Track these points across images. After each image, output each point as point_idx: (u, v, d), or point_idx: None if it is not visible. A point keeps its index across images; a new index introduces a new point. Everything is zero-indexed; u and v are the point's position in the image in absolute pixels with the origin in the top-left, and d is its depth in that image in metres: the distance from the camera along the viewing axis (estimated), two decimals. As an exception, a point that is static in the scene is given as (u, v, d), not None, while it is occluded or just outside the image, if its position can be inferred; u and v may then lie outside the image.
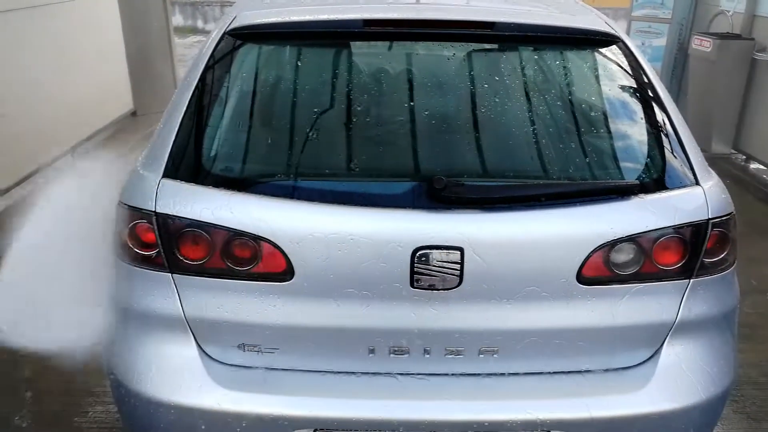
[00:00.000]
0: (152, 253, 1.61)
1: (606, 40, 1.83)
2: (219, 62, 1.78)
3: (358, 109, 1.70)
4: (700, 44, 5.47)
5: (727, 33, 5.45)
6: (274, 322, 1.59)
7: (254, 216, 1.55)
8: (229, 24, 1.82)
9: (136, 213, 1.62)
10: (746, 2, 5.29)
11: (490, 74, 1.80)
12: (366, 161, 1.64)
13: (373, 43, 1.83)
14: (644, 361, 1.67)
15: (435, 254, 1.52)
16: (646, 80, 1.81)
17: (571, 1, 2.21)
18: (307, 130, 1.69)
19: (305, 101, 1.74)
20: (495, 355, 1.63)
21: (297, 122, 1.70)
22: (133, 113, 6.49)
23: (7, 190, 4.31)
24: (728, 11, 5.57)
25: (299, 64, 1.82)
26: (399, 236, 1.52)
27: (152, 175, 1.63)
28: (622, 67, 1.83)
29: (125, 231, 1.64)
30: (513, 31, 1.74)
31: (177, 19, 13.07)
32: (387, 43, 1.83)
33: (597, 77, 1.84)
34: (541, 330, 1.60)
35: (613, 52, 1.85)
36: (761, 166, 5.23)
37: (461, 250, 1.51)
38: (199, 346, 1.64)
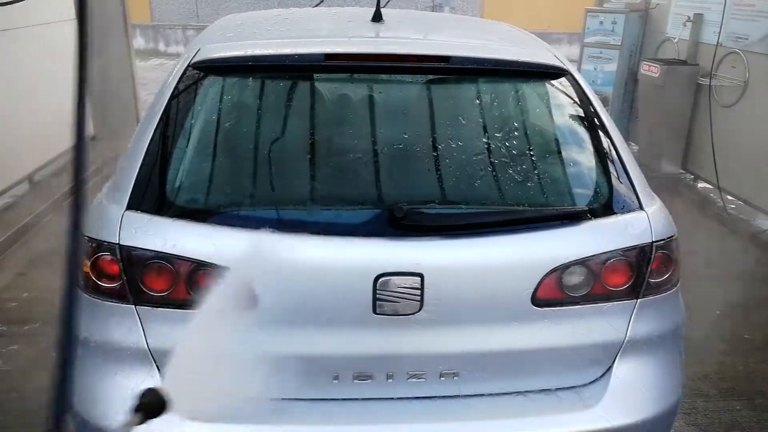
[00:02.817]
0: (116, 285, 1.62)
1: (555, 72, 1.93)
2: (183, 94, 1.81)
3: (320, 139, 1.76)
4: (648, 69, 5.73)
5: (674, 59, 5.73)
6: None
7: (218, 247, 1.57)
8: (193, 57, 1.86)
9: (99, 245, 1.62)
10: (690, 30, 5.57)
11: (446, 105, 1.88)
12: (328, 190, 1.69)
13: (334, 75, 1.89)
14: (596, 379, 1.75)
15: (396, 281, 1.57)
16: (593, 111, 1.91)
17: (523, 35, 2.33)
18: (270, 160, 1.73)
19: (267, 132, 1.79)
20: (455, 378, 1.68)
21: (259, 153, 1.75)
22: (93, 137, 6.40)
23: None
24: (674, 38, 5.85)
25: (261, 96, 1.86)
26: (361, 264, 1.57)
27: (116, 207, 1.64)
28: (570, 99, 1.94)
29: (87, 263, 1.65)
30: (467, 65, 1.83)
31: (138, 42, 12.98)
32: (348, 76, 1.89)
33: (548, 108, 1.94)
34: (499, 352, 1.67)
35: (562, 84, 1.95)
36: (708, 185, 5.47)
37: (421, 276, 1.57)
38: (162, 378, 1.64)
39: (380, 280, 1.56)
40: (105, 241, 1.61)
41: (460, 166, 1.75)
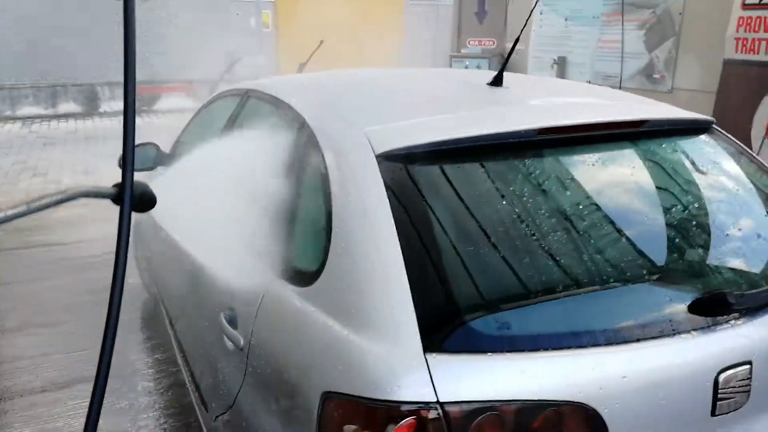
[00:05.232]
0: None
1: (706, 126, 1.94)
2: (397, 191, 1.44)
3: (585, 219, 1.52)
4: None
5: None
6: None
7: (560, 377, 1.25)
8: (370, 145, 1.52)
9: (397, 409, 1.18)
10: (556, 72, 6.21)
11: (656, 170, 1.77)
12: (644, 283, 1.46)
13: (544, 150, 1.66)
14: None
15: (734, 374, 1.40)
16: None
17: (621, 92, 2.33)
18: (553, 255, 1.43)
19: (535, 222, 1.48)
20: None
21: (546, 249, 1.43)
22: None
23: None
24: (543, 79, 6.47)
25: (489, 180, 1.55)
26: (703, 361, 1.38)
27: (403, 351, 1.21)
28: (734, 149, 1.92)
29: None
30: (662, 126, 1.79)
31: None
32: (555, 149, 1.68)
33: (730, 162, 1.91)
34: None
35: (717, 135, 1.95)
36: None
37: (750, 363, 1.43)
38: None
39: (721, 376, 1.38)
40: (408, 402, 1.17)
41: (737, 232, 1.64)
